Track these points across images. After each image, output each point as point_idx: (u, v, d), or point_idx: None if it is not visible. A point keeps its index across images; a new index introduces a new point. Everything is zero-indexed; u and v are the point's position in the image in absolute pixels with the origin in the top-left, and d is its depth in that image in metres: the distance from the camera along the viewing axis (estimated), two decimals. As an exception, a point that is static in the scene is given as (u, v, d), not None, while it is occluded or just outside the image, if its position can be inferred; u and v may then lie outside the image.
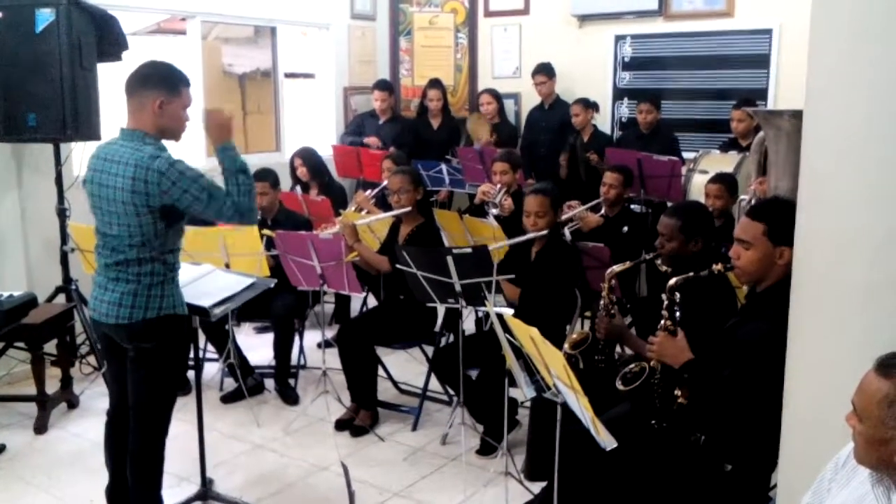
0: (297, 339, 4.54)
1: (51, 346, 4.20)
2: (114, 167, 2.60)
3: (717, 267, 2.54)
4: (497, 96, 6.59)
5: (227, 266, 3.95)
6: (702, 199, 4.54)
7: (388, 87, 6.73)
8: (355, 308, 5.46)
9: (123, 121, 2.72)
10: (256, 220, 2.78)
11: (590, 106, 6.14)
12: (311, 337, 5.02)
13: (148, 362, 2.70)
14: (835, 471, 1.74)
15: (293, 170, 5.73)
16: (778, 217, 2.40)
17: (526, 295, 3.68)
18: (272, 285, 3.30)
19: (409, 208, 4.10)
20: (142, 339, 2.67)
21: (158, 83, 2.66)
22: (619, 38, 6.53)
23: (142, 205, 2.57)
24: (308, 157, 5.68)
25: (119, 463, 2.88)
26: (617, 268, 2.98)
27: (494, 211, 4.81)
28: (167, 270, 2.69)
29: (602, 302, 2.93)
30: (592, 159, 5.86)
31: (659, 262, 3.02)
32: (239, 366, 4.28)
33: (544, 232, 3.69)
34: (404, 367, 4.61)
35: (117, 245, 2.65)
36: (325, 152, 6.10)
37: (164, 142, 2.71)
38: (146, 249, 2.63)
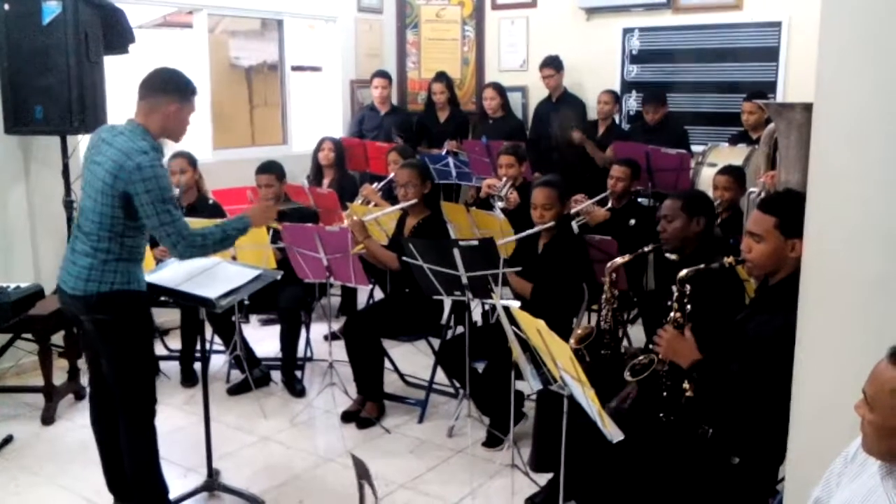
0: (303, 331, 4.54)
1: (58, 338, 4.23)
2: (105, 148, 2.74)
3: (728, 260, 2.53)
4: (501, 90, 6.48)
5: (234, 258, 3.95)
6: (710, 192, 4.51)
7: (386, 74, 6.71)
8: (362, 300, 5.46)
9: (131, 113, 2.86)
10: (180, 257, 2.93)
11: (618, 100, 6.12)
12: (318, 329, 5.02)
13: (107, 336, 2.81)
14: (844, 464, 1.73)
15: (317, 151, 5.83)
16: (789, 210, 2.39)
17: (535, 288, 3.66)
18: (279, 277, 3.31)
19: (415, 201, 4.10)
20: (96, 311, 2.77)
21: (175, 91, 2.84)
22: (628, 31, 6.49)
23: (110, 185, 2.68)
24: (338, 144, 5.88)
25: (107, 445, 2.98)
26: (618, 260, 2.98)
27: (500, 204, 4.80)
28: (122, 251, 2.77)
29: (604, 296, 2.92)
30: (576, 137, 5.91)
31: (665, 248, 3.00)
32: (245, 358, 4.29)
33: (551, 224, 3.67)
34: (410, 359, 4.61)
35: (86, 216, 2.77)
36: (332, 145, 6.10)
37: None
38: (103, 228, 2.73)
